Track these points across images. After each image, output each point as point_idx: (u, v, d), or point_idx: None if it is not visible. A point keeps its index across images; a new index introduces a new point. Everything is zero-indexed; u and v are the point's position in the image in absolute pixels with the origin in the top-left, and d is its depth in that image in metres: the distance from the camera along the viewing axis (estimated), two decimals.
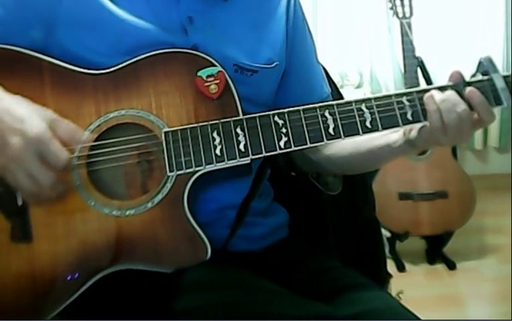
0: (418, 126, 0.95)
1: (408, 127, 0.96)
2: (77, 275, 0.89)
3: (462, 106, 0.91)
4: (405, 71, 2.30)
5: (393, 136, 1.00)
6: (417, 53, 2.29)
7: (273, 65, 1.04)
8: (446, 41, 2.98)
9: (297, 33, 1.10)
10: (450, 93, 0.92)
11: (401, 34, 2.31)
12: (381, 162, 1.08)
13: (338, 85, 1.26)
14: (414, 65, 2.28)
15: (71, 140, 0.87)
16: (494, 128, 3.19)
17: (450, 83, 0.95)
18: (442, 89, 0.94)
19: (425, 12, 2.81)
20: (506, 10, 3.02)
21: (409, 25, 2.29)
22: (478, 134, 3.19)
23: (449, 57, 2.95)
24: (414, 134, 0.97)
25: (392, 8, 2.33)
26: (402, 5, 2.32)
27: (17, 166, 0.82)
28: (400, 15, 2.31)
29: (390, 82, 2.97)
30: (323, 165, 1.12)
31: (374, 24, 2.95)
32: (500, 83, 0.94)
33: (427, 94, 0.93)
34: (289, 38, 1.08)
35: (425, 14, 2.81)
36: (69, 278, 0.89)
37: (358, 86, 2.91)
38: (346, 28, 2.97)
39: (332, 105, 0.93)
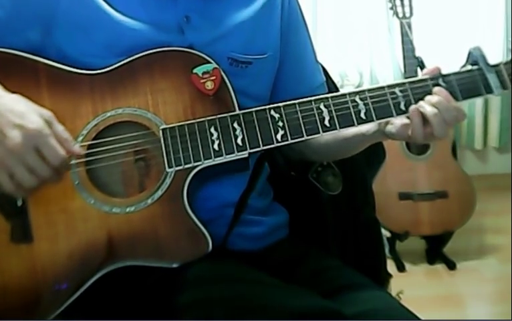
0: (397, 122, 0.97)
1: (384, 121, 0.98)
2: (64, 285, 0.88)
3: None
4: (405, 71, 2.30)
5: (366, 125, 1.00)
6: (417, 53, 2.29)
7: (265, 55, 1.04)
8: (446, 41, 2.98)
9: (292, 26, 1.10)
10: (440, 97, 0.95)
11: (401, 34, 2.31)
12: (356, 149, 1.10)
13: (338, 85, 1.26)
14: (414, 65, 2.28)
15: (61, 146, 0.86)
16: (494, 128, 3.19)
17: (439, 74, 0.97)
18: (433, 79, 0.97)
19: (425, 12, 2.81)
20: (506, 10, 3.01)
21: (409, 25, 2.29)
22: (478, 134, 3.18)
23: (449, 57, 2.95)
24: (389, 128, 0.98)
25: (392, 8, 2.33)
26: (402, 5, 2.32)
27: (15, 159, 0.82)
28: (400, 15, 2.31)
29: (389, 82, 2.96)
30: (303, 151, 1.14)
31: (374, 24, 2.94)
32: (490, 72, 0.96)
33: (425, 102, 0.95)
34: (283, 30, 1.08)
35: (425, 14, 2.81)
36: (56, 288, 0.89)
37: (358, 86, 2.91)
38: (346, 28, 2.97)
39: (327, 98, 0.95)
